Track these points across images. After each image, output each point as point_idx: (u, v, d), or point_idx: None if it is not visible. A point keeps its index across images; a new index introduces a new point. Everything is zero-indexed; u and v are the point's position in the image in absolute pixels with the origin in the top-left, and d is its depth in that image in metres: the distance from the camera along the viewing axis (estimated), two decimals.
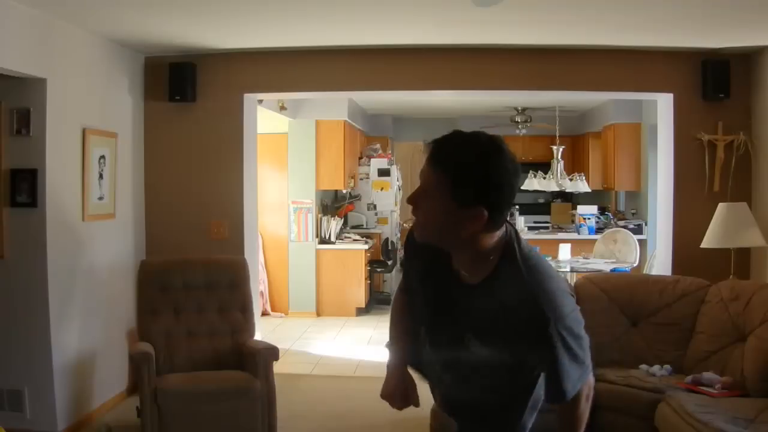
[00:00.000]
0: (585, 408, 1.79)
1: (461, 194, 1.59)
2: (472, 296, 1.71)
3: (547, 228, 9.68)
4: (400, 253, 9.95)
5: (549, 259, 6.89)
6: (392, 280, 9.49)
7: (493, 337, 1.69)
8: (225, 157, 5.41)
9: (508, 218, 1.73)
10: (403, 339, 1.96)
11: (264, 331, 6.53)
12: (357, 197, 9.30)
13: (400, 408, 1.90)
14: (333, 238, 8.41)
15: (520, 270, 1.65)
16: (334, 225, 8.44)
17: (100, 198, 4.78)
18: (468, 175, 1.59)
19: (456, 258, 1.74)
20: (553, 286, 1.67)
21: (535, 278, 1.65)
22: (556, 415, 1.82)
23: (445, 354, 1.82)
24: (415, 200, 1.67)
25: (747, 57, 5.09)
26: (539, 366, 1.71)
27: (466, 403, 1.86)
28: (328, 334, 7.44)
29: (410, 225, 1.92)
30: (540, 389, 1.80)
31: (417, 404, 1.89)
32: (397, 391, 1.89)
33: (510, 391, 1.79)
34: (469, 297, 1.72)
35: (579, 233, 8.55)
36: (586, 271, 6.30)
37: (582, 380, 1.74)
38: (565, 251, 7.00)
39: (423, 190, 1.65)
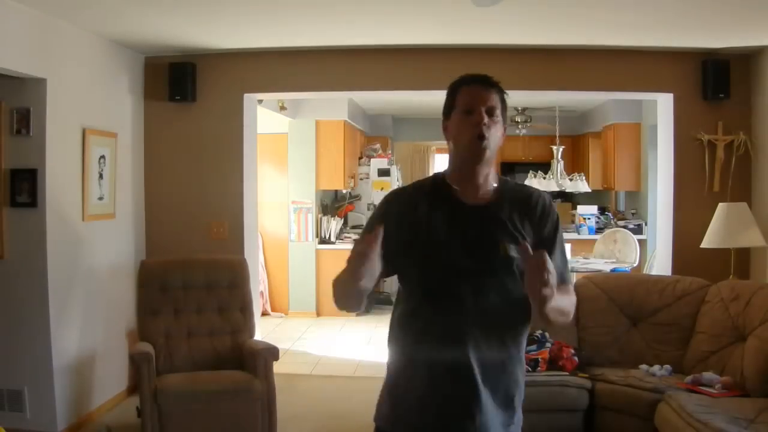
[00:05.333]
0: (573, 301, 1.99)
1: (505, 111, 1.98)
2: (493, 209, 1.97)
3: None
4: None
5: None
6: (392, 280, 9.44)
7: (520, 233, 1.94)
8: (225, 157, 5.40)
9: None
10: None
11: (264, 331, 6.54)
12: (357, 197, 9.30)
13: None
14: (333, 238, 8.41)
15: (514, 183, 2.10)
16: (334, 225, 8.45)
17: (100, 198, 4.78)
18: (504, 97, 1.99)
19: (473, 183, 1.98)
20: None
21: (528, 185, 2.12)
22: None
23: (478, 270, 1.93)
24: (495, 115, 1.93)
25: (747, 57, 5.09)
26: (553, 240, 1.99)
27: (490, 316, 1.94)
28: (328, 334, 7.45)
29: (394, 192, 2.13)
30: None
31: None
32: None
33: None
34: (490, 212, 1.97)
35: (579, 233, 8.54)
36: (586, 271, 6.29)
37: (571, 278, 2.07)
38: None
39: (494, 107, 1.93)
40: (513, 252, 1.90)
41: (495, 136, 1.93)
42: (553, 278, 1.73)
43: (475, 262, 1.92)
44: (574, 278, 1.91)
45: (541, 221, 1.98)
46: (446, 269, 1.93)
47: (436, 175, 2.07)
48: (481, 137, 1.91)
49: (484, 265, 1.92)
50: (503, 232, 1.93)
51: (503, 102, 1.97)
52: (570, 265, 7.91)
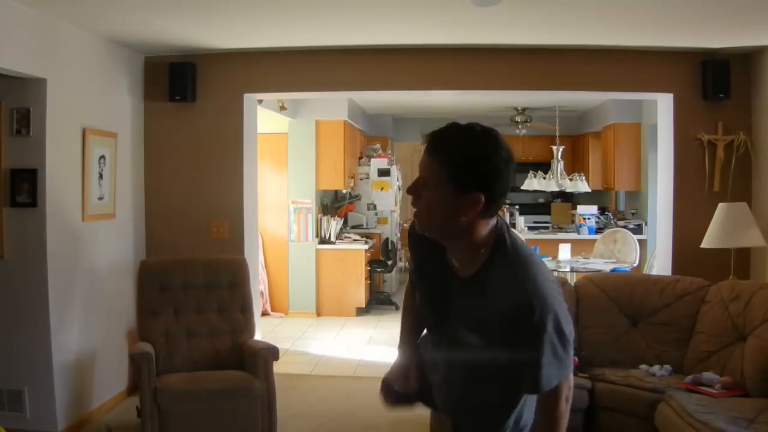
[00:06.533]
0: (565, 410, 1.76)
1: (460, 180, 1.65)
2: (465, 289, 1.76)
3: (547, 228, 9.68)
4: (401, 253, 9.97)
5: (549, 259, 6.89)
6: (392, 280, 9.49)
7: (484, 329, 1.72)
8: (225, 157, 5.41)
9: (505, 216, 1.78)
10: (407, 334, 2.11)
11: (264, 331, 6.54)
12: (357, 197, 9.31)
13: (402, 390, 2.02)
14: (333, 238, 8.41)
15: (510, 262, 1.71)
16: (334, 225, 8.44)
17: (100, 198, 4.78)
18: (467, 162, 1.66)
19: (450, 251, 1.80)
20: (541, 279, 1.69)
21: (524, 270, 1.69)
22: (537, 416, 1.82)
23: (444, 350, 1.88)
24: (415, 190, 1.72)
25: (747, 57, 5.09)
26: (522, 356, 1.67)
27: (464, 401, 1.89)
28: (328, 334, 7.44)
29: (411, 222, 2.00)
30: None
31: (414, 390, 2.02)
32: (399, 373, 2.02)
33: (501, 389, 1.79)
34: (462, 290, 1.77)
35: (579, 233, 8.55)
36: (586, 271, 6.30)
37: (560, 376, 1.70)
38: (565, 251, 7.00)
39: (423, 179, 1.71)
40: (471, 339, 1.74)
41: (423, 209, 1.72)
42: None
43: (443, 341, 1.88)
44: (571, 335, 1.71)
45: (516, 336, 1.64)
46: (427, 311, 1.95)
47: None
48: (415, 213, 1.77)
49: (448, 348, 1.86)
50: (467, 319, 1.76)
51: (447, 160, 1.66)
52: (570, 265, 7.79)
